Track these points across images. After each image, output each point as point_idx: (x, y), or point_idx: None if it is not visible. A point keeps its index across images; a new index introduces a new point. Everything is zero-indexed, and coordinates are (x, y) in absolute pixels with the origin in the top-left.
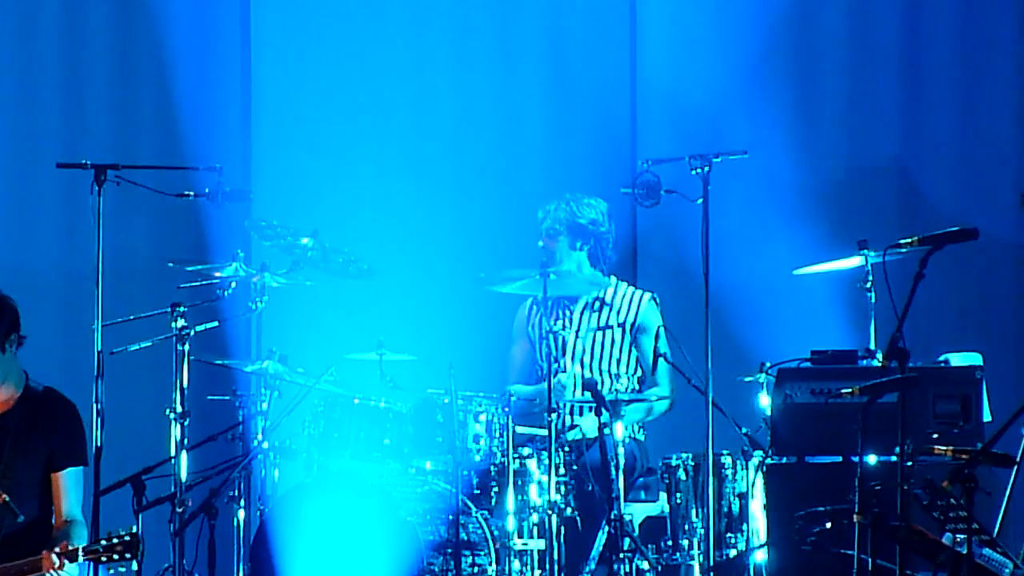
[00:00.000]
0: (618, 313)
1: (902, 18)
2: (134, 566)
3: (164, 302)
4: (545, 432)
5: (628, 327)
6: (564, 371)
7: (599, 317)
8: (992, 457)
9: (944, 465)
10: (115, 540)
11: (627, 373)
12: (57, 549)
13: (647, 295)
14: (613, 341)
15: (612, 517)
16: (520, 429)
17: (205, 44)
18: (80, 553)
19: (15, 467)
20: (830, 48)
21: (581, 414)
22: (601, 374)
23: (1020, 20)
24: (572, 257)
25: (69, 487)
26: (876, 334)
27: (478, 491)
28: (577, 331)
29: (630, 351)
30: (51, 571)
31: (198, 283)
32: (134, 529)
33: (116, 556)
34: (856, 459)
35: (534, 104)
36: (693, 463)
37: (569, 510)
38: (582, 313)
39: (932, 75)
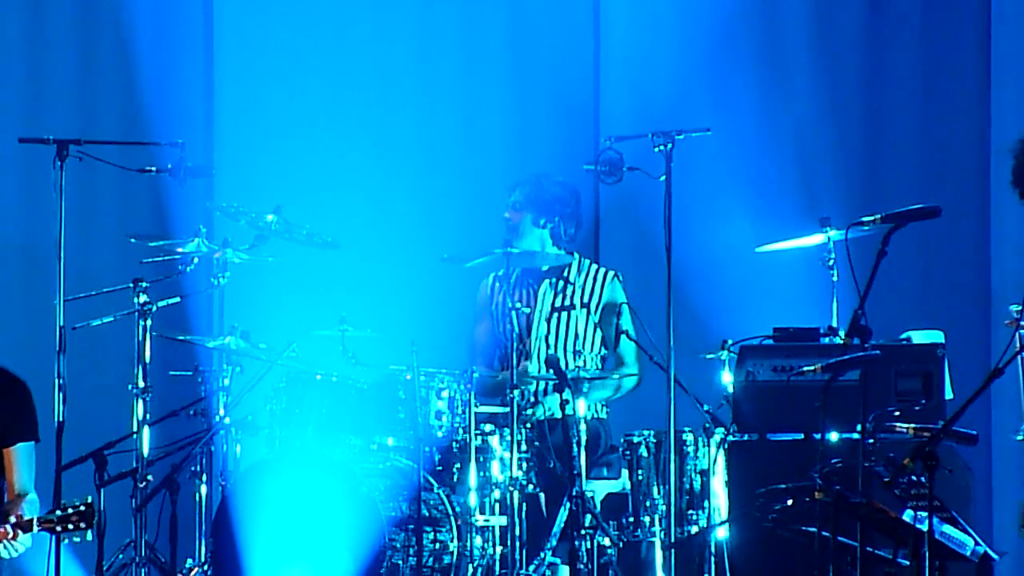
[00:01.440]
0: (581, 292)
1: None
2: (89, 536)
3: (126, 277)
4: (506, 409)
5: (593, 307)
6: (530, 360)
7: (563, 297)
8: (954, 434)
9: (906, 442)
10: (70, 510)
11: (590, 352)
12: (12, 520)
13: (610, 273)
14: (577, 320)
15: (574, 494)
16: (482, 408)
17: (167, 18)
18: (35, 523)
19: None
20: (793, 26)
21: (546, 394)
22: (565, 353)
23: (982, 6)
24: (535, 234)
25: (19, 462)
26: (838, 311)
27: (440, 467)
28: (541, 310)
29: (594, 331)
30: (3, 541)
31: (160, 258)
32: (90, 499)
33: (71, 526)
34: (818, 436)
35: (497, 81)
36: (655, 440)
37: (531, 487)
38: (545, 293)
39: (896, 52)
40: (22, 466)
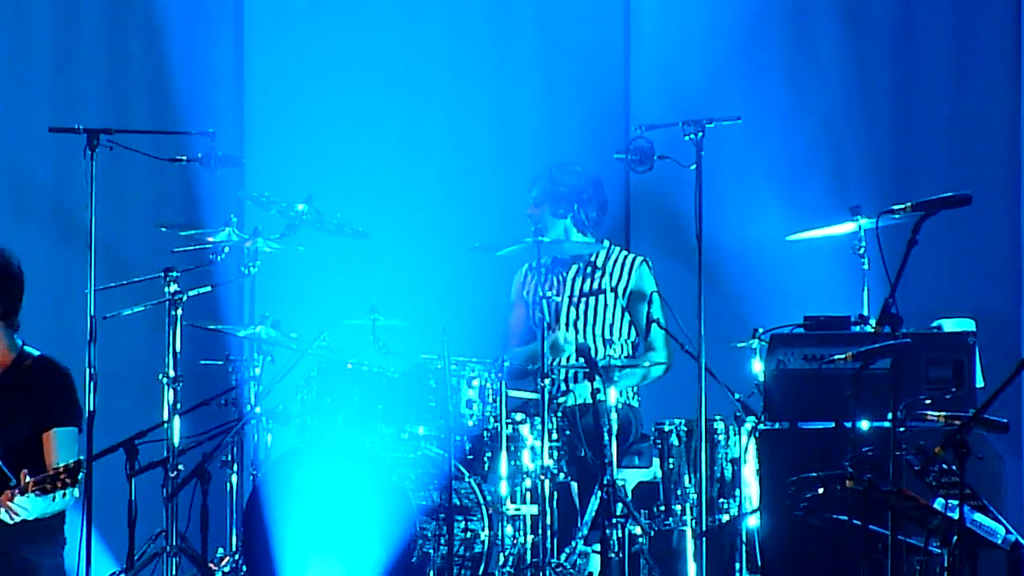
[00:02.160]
0: (610, 277)
1: None
2: (77, 493)
3: (157, 267)
4: (536, 396)
5: (621, 291)
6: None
7: (591, 282)
8: (985, 423)
9: (937, 431)
10: (59, 468)
11: (620, 339)
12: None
13: (639, 259)
14: (606, 306)
15: (605, 482)
16: (513, 393)
17: (198, 7)
18: (29, 485)
19: (4, 428)
20: (824, 13)
21: (576, 381)
22: (594, 339)
23: None
24: (558, 225)
25: (58, 446)
26: (869, 300)
27: (471, 456)
28: (570, 296)
29: (623, 316)
30: (3, 505)
31: (191, 248)
32: (81, 459)
33: (59, 484)
34: (849, 425)
35: (528, 70)
36: (686, 428)
37: (562, 475)
38: (574, 279)
39: (926, 40)
40: (60, 450)
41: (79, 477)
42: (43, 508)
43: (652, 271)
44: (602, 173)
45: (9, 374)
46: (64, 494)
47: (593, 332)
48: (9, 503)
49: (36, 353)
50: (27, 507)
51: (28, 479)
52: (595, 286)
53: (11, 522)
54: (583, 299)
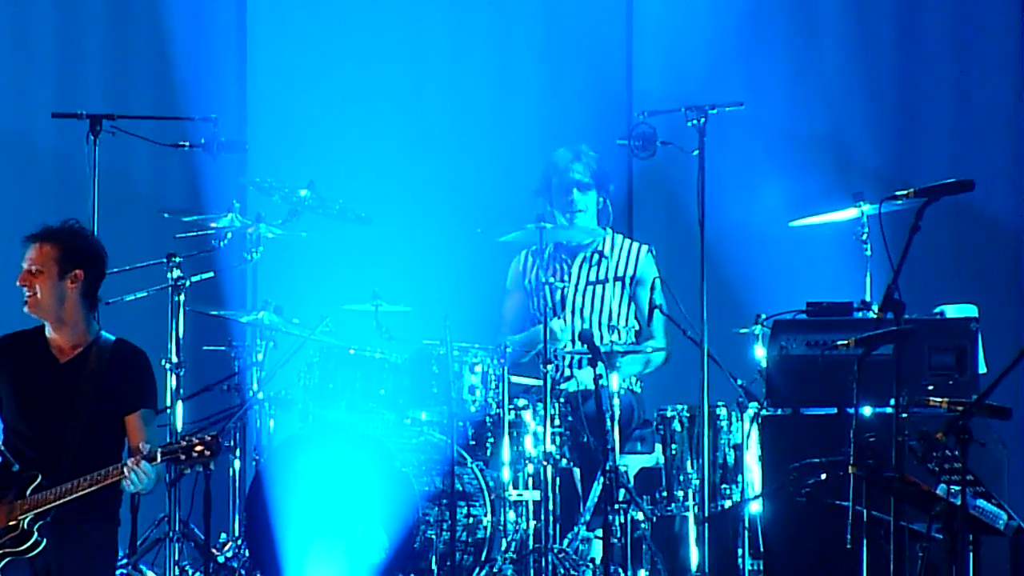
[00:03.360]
0: (616, 266)
1: None
2: (212, 466)
3: (160, 252)
4: (540, 382)
5: (627, 280)
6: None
7: (597, 271)
8: (987, 409)
9: (939, 417)
10: (195, 439)
11: (624, 327)
12: (137, 454)
13: (644, 247)
14: (610, 294)
15: (607, 468)
16: (515, 379)
17: None
18: (159, 454)
19: (87, 408)
20: None
21: (580, 367)
22: (599, 327)
23: None
24: (593, 212)
25: (144, 426)
26: (872, 286)
27: (473, 442)
28: (576, 284)
29: (629, 304)
30: (131, 470)
31: (193, 233)
32: (216, 432)
33: (196, 455)
34: (851, 411)
35: (530, 55)
36: (688, 414)
37: (564, 461)
38: (580, 266)
39: (930, 25)
40: (145, 429)
41: (220, 450)
42: (155, 483)
43: (656, 259)
44: (605, 159)
45: (85, 356)
46: (187, 468)
47: (599, 320)
48: (137, 468)
49: (112, 338)
50: (150, 474)
51: (156, 449)
52: (601, 275)
53: (131, 489)
54: (589, 287)
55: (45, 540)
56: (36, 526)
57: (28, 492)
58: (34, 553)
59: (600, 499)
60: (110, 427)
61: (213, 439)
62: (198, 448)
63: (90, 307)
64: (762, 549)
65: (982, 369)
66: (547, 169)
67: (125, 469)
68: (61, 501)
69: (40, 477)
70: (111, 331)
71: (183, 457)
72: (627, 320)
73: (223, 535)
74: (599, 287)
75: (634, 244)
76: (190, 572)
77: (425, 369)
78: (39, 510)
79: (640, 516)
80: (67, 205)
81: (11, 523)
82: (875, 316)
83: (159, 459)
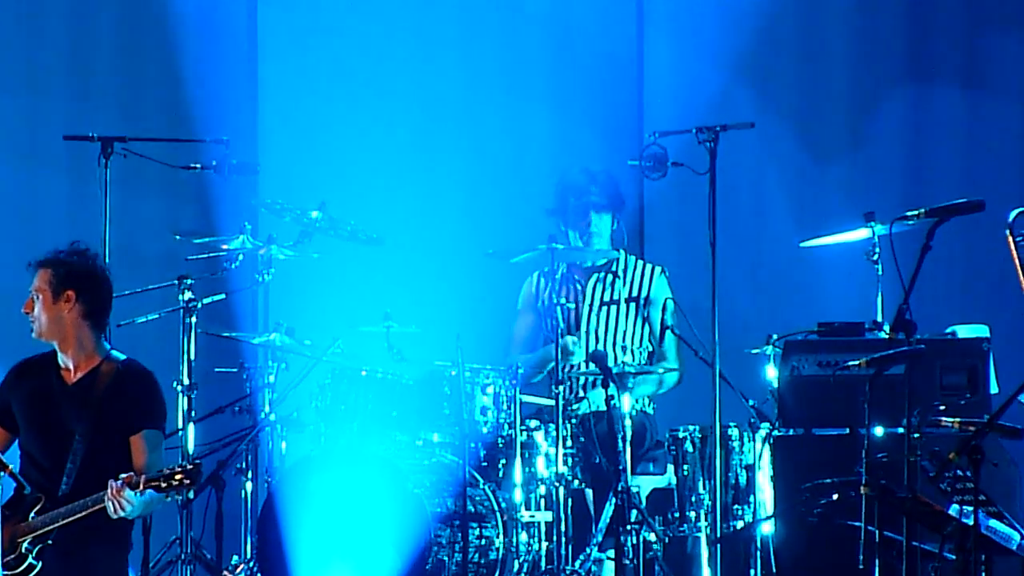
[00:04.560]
0: (629, 287)
1: None
2: (191, 494)
3: (171, 274)
4: (551, 402)
5: (640, 301)
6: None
7: (611, 291)
8: (999, 428)
9: (951, 437)
10: (177, 468)
11: (636, 347)
12: (122, 478)
13: (658, 268)
14: (625, 315)
15: (619, 489)
16: (527, 399)
17: (212, 15)
18: (142, 481)
19: (90, 429)
20: (835, 20)
21: (595, 387)
22: (614, 348)
23: None
24: (607, 234)
25: (147, 449)
26: (883, 306)
27: (485, 463)
28: (590, 305)
29: (643, 326)
30: (111, 499)
31: (205, 255)
32: (199, 461)
33: (175, 483)
34: (863, 431)
35: (541, 76)
36: (700, 435)
37: (577, 482)
38: (594, 287)
39: (938, 44)
40: (148, 452)
41: (199, 478)
42: (145, 508)
43: (668, 280)
44: (617, 179)
45: (92, 377)
46: (168, 496)
47: (613, 340)
48: (120, 495)
49: (122, 357)
50: (133, 502)
51: (140, 477)
52: (615, 296)
53: (114, 516)
54: (603, 307)
55: (40, 564)
56: (35, 549)
57: (32, 515)
58: None
59: (612, 520)
60: (114, 449)
61: (195, 468)
62: (178, 477)
63: (95, 328)
64: (774, 570)
65: (994, 389)
66: (563, 190)
67: (106, 496)
68: (57, 525)
69: (44, 499)
70: (124, 353)
71: (164, 485)
72: (641, 341)
73: (235, 557)
74: (612, 308)
75: (647, 265)
76: None
77: (437, 390)
78: (37, 533)
79: (652, 537)
80: (79, 227)
81: (13, 546)
82: (887, 336)
83: (141, 487)
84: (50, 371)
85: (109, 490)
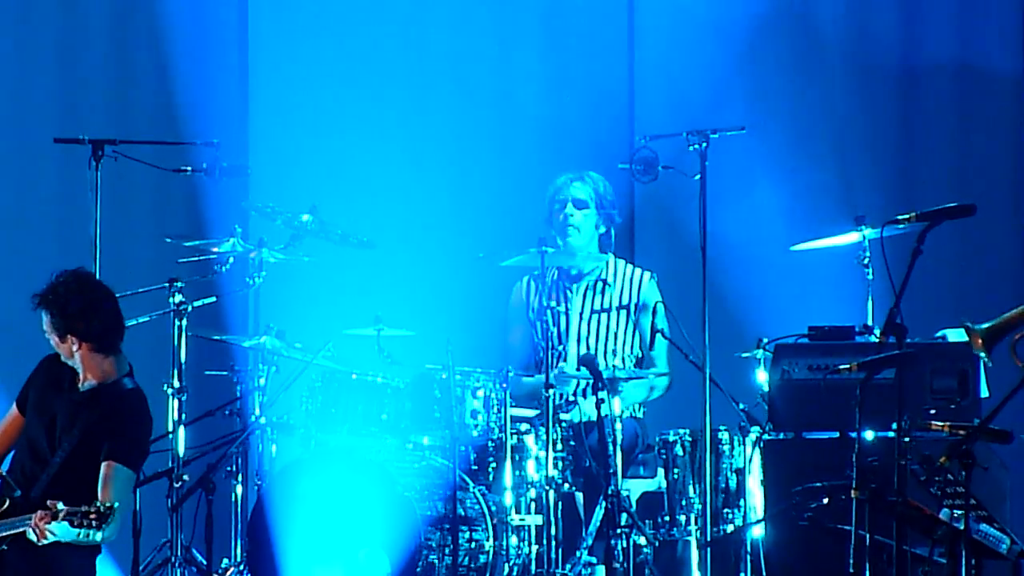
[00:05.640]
0: (620, 294)
1: None
2: (98, 536)
3: (162, 277)
4: (536, 412)
5: (632, 308)
6: (566, 360)
7: (601, 299)
8: (989, 433)
9: (941, 441)
10: (92, 507)
11: (626, 353)
12: (47, 506)
13: (647, 274)
14: (616, 322)
15: (609, 493)
16: (516, 412)
17: (202, 18)
18: (62, 513)
19: (72, 444)
20: (827, 23)
21: (585, 396)
22: (605, 355)
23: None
24: (593, 237)
25: (111, 481)
26: (874, 310)
27: (475, 467)
28: (580, 313)
29: (633, 332)
30: (34, 525)
31: (196, 258)
32: (116, 505)
33: (86, 521)
34: (853, 435)
35: (531, 79)
36: (690, 439)
37: (567, 485)
38: (584, 295)
39: (929, 47)
40: (112, 486)
41: (107, 523)
42: (71, 537)
43: (658, 284)
44: (605, 182)
45: (94, 393)
46: (88, 534)
47: (605, 348)
48: (41, 524)
49: (129, 386)
50: (55, 532)
51: (62, 507)
52: (605, 303)
53: (37, 543)
54: (593, 315)
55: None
56: None
57: None
58: None
59: (602, 524)
60: (86, 469)
61: (108, 510)
62: (92, 515)
63: (108, 352)
64: (764, 574)
65: (984, 393)
66: (549, 191)
67: (30, 522)
68: (6, 534)
69: (7, 503)
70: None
71: (75, 521)
72: (631, 348)
73: (225, 560)
74: (603, 315)
75: (636, 270)
76: None
77: (427, 394)
78: None
79: (642, 541)
80: (69, 230)
81: None
82: (877, 340)
83: (60, 517)
84: (66, 375)
85: (35, 516)
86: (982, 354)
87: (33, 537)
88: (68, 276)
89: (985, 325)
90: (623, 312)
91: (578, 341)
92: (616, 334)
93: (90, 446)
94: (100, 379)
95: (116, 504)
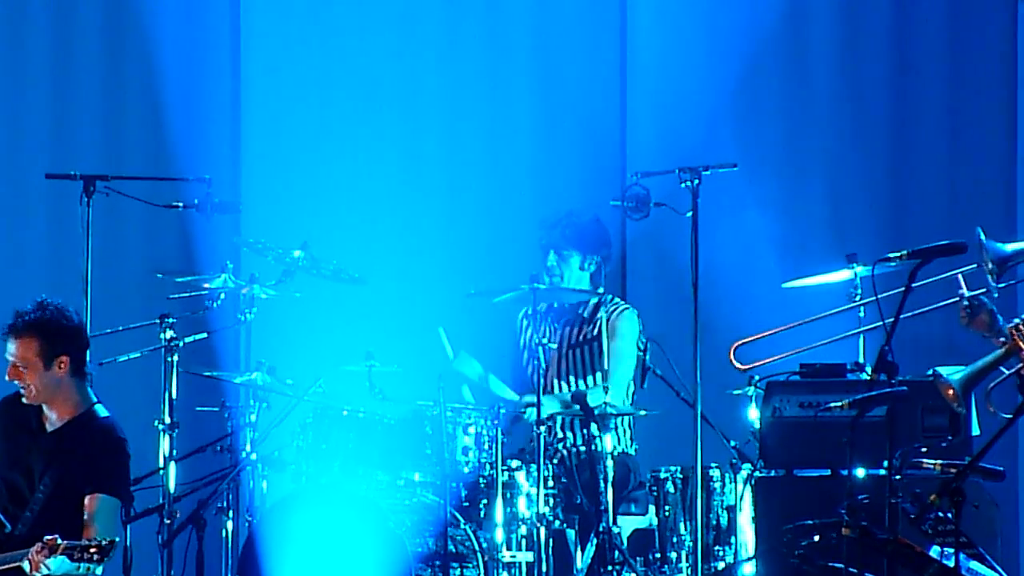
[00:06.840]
0: (594, 327)
1: (891, 32)
2: (99, 570)
3: (153, 313)
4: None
5: (602, 339)
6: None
7: (579, 334)
8: (981, 471)
9: (932, 479)
10: (92, 541)
11: (603, 382)
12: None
13: (624, 305)
14: (592, 354)
15: (601, 529)
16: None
17: (194, 54)
18: (61, 547)
19: (53, 481)
20: (819, 61)
21: (572, 430)
22: (585, 382)
23: (1007, 30)
24: (579, 277)
25: (96, 513)
26: (865, 347)
27: (466, 503)
28: (559, 347)
29: (602, 361)
30: (31, 558)
31: (187, 294)
32: (116, 540)
33: (87, 555)
34: (845, 472)
35: (523, 116)
36: (682, 476)
37: (558, 522)
38: (564, 328)
39: (922, 87)
40: (98, 519)
41: (108, 557)
42: (67, 571)
43: (639, 318)
44: (592, 221)
45: (68, 428)
46: (88, 568)
47: (590, 380)
48: (39, 558)
49: (103, 414)
50: (51, 567)
51: (61, 541)
52: (582, 336)
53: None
54: (571, 350)
55: None
56: None
57: None
58: None
59: (593, 561)
60: (68, 504)
61: (108, 544)
62: (92, 549)
63: (81, 378)
64: None
65: (975, 431)
66: (537, 234)
67: (29, 553)
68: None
69: None
70: (104, 392)
71: (75, 555)
72: (605, 376)
73: None
74: (584, 348)
75: (620, 306)
76: None
77: (418, 430)
78: None
79: None
80: (60, 266)
81: None
82: (868, 378)
83: (59, 551)
84: (33, 415)
85: (32, 550)
86: (954, 405)
87: (27, 567)
88: (46, 303)
89: (957, 376)
90: (595, 344)
91: (558, 376)
92: (593, 367)
93: (71, 483)
94: (73, 411)
95: (117, 539)
